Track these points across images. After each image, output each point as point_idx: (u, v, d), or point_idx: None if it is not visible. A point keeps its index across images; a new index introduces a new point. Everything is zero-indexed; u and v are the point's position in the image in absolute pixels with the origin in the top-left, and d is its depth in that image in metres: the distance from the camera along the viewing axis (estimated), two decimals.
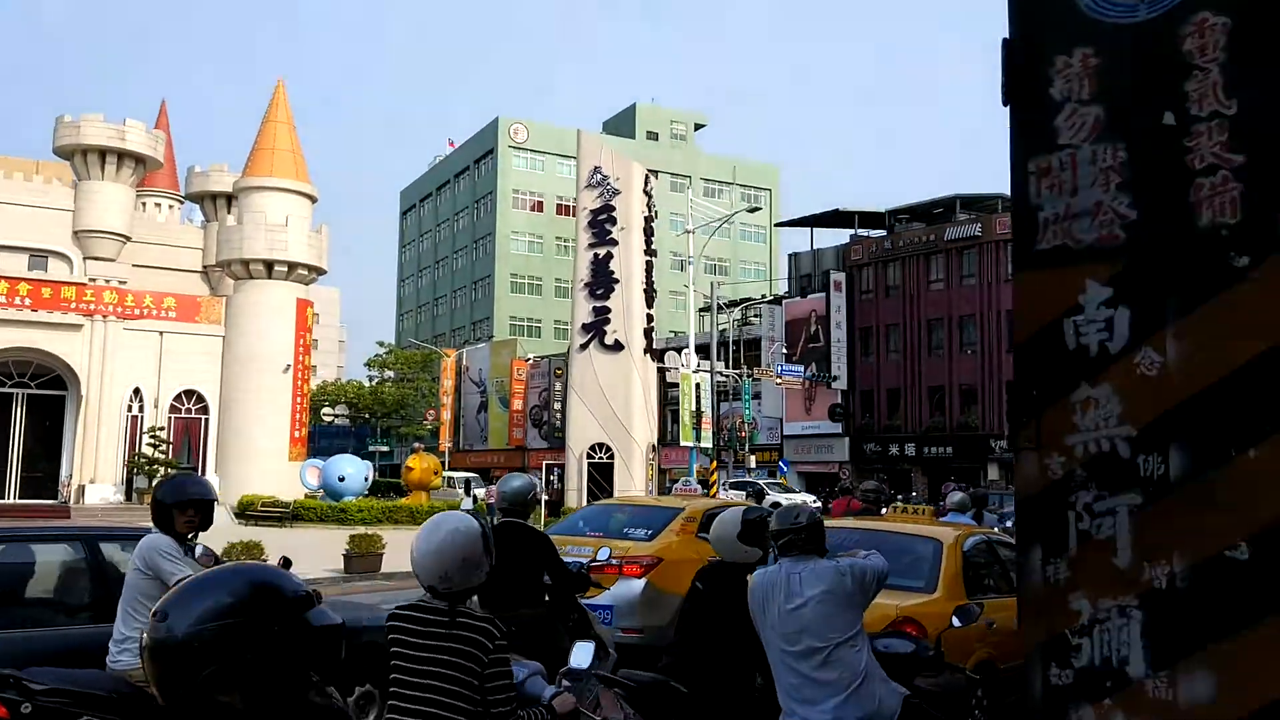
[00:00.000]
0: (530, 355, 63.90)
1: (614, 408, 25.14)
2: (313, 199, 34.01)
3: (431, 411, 62.61)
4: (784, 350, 50.35)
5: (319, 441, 68.46)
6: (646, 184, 26.72)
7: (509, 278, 78.96)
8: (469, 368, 64.63)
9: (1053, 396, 2.52)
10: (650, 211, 26.51)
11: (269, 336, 31.82)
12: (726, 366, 47.56)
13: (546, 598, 5.53)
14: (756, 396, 52.57)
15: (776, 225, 68.95)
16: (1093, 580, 2.43)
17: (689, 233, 25.45)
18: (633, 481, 25.18)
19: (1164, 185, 2.39)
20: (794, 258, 56.45)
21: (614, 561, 7.90)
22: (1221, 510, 2.28)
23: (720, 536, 4.67)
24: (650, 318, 26.64)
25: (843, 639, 3.92)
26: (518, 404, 62.01)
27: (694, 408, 20.97)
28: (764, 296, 58.03)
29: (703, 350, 53.52)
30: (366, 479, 27.86)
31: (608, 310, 25.79)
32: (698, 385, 23.84)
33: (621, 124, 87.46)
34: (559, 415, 67.27)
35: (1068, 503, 2.48)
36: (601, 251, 26.03)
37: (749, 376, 44.03)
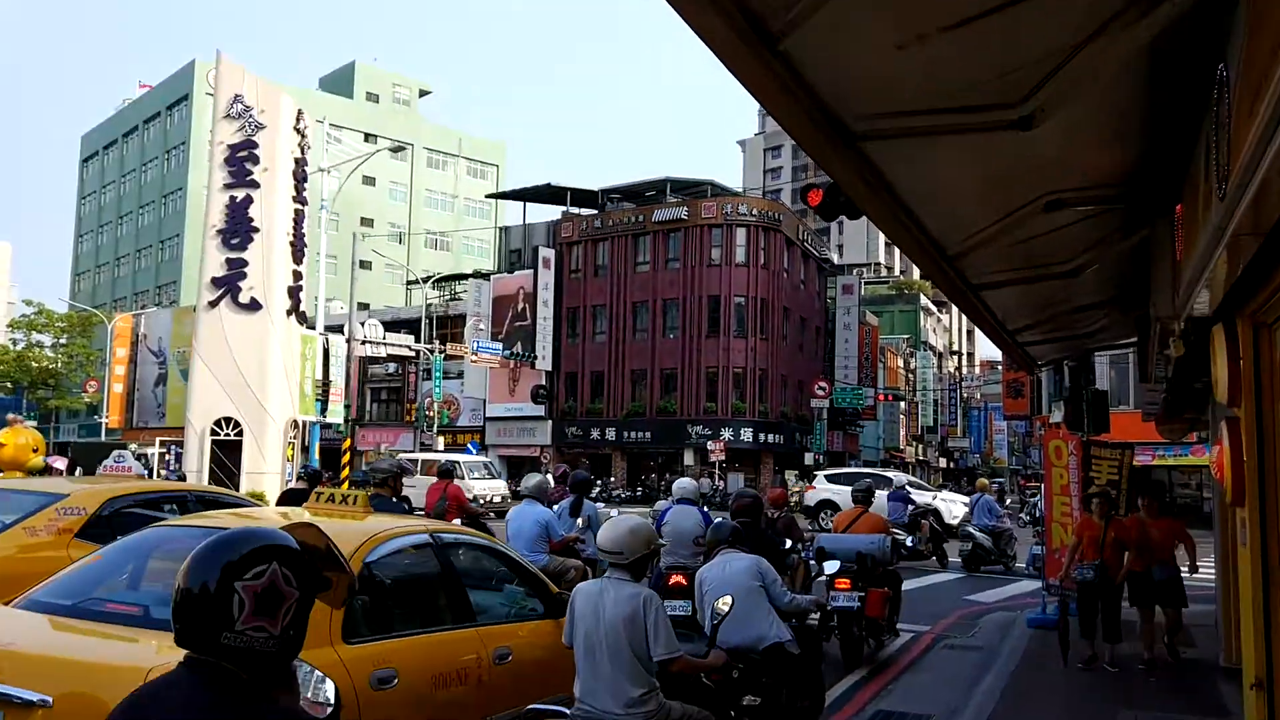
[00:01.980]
0: None
1: (246, 376, 21.55)
2: None
3: (93, 382, 55.21)
4: (481, 327, 47.76)
5: None
6: (299, 120, 23.17)
7: (201, 238, 71.46)
8: (147, 335, 57.41)
9: None
10: (303, 153, 23.02)
11: None
12: (423, 341, 44.37)
13: None
14: (459, 376, 49.78)
15: (487, 196, 66.38)
16: None
17: (322, 171, 22.18)
18: (264, 461, 21.73)
19: None
20: (504, 232, 54.04)
21: None
22: None
23: None
24: (298, 275, 23.15)
25: None
26: None
27: (319, 375, 17.90)
28: (476, 271, 55.18)
29: (405, 325, 50.44)
30: None
31: (244, 263, 22.10)
32: (326, 351, 20.66)
33: (339, 82, 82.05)
34: None
35: None
36: (239, 194, 22.28)
37: (440, 352, 41.00)
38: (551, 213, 52.14)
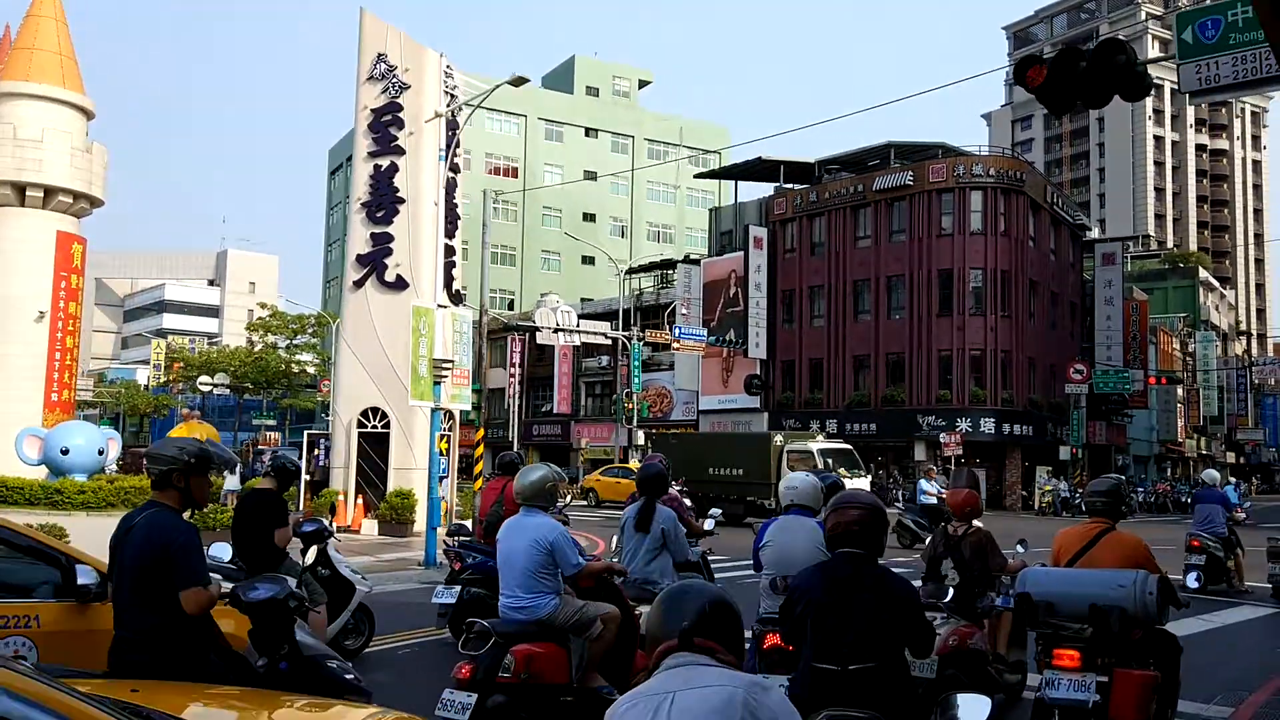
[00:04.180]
0: None
1: (394, 363, 19.50)
2: (87, 113, 28.14)
3: (327, 381, 56.85)
4: (684, 312, 44.76)
5: (202, 416, 62.45)
6: (448, 78, 20.93)
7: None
8: None
9: None
10: (453, 114, 20.78)
11: (19, 277, 26.04)
12: (621, 329, 41.94)
13: None
14: (671, 367, 47.16)
15: (696, 176, 63.53)
16: None
17: (438, 116, 19.61)
18: (414, 457, 19.62)
19: None
20: (714, 213, 50.86)
21: None
22: None
23: None
24: (450, 250, 20.95)
25: None
26: None
27: (435, 354, 15.39)
28: (686, 257, 52.39)
29: (618, 316, 48.35)
30: (102, 452, 22.02)
31: (389, 238, 20.11)
32: (451, 326, 18.11)
33: (560, 79, 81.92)
34: None
35: None
36: (384, 162, 20.29)
37: (639, 339, 38.34)
38: (766, 191, 48.59)
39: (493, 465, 10.67)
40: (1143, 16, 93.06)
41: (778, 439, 27.91)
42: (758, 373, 44.14)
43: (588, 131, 79.48)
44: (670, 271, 55.64)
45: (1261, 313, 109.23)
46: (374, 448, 19.98)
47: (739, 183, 52.69)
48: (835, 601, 3.83)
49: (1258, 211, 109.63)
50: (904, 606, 3.84)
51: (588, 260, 73.12)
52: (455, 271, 21.20)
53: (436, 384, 15.65)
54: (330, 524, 19.09)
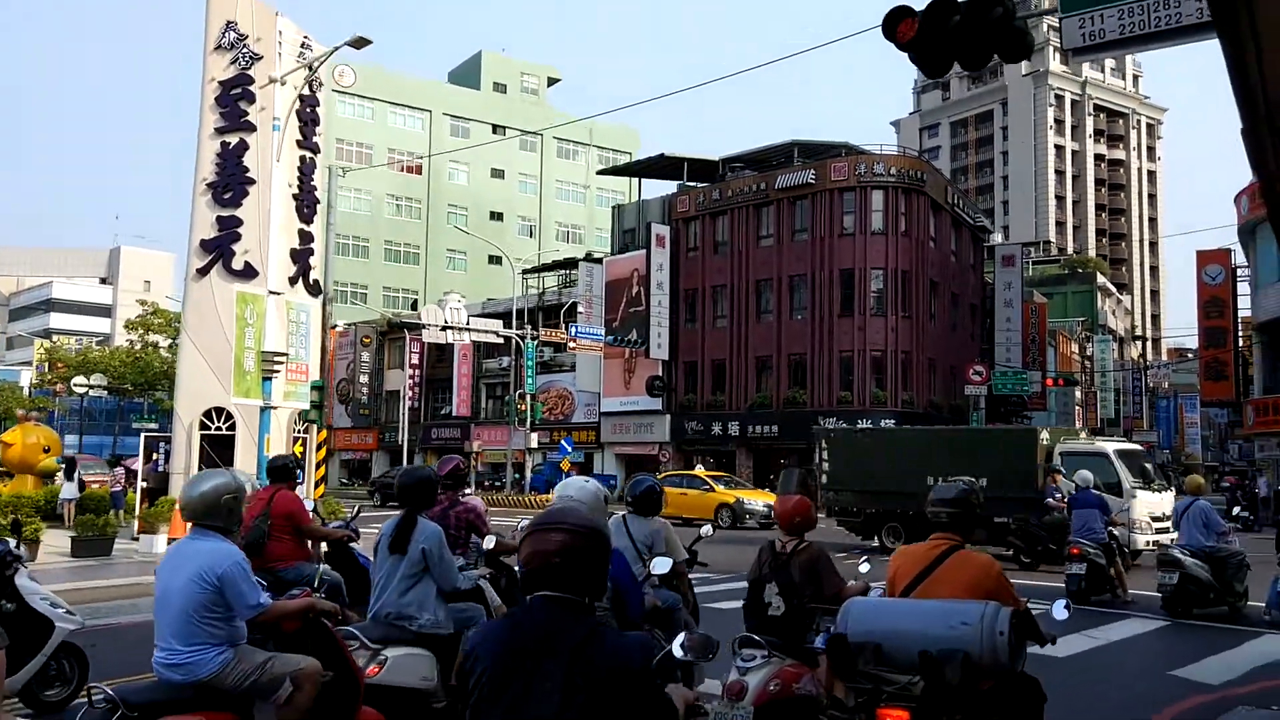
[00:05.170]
0: (339, 323, 55.45)
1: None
2: None
3: None
4: (582, 310, 43.44)
5: (86, 419, 58.91)
6: (305, 48, 19.28)
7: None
8: None
9: None
10: (311, 89, 19.14)
11: None
12: (515, 328, 40.44)
13: None
14: (572, 369, 45.78)
15: (598, 173, 62.24)
16: None
17: (274, 81, 18.08)
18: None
19: None
20: (617, 210, 49.63)
21: None
22: None
23: None
24: (307, 236, 19.30)
25: None
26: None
27: (266, 346, 13.82)
28: (588, 255, 51.11)
29: (521, 315, 46.81)
30: None
31: (238, 222, 18.38)
32: (285, 316, 16.56)
33: (467, 75, 79.95)
34: (365, 389, 59.37)
35: None
36: (232, 140, 18.56)
37: (533, 338, 36.89)
38: (672, 189, 47.59)
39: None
40: (1045, 29, 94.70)
41: (1045, 436, 20.04)
42: (660, 374, 43.04)
43: (495, 128, 77.62)
44: (574, 271, 54.33)
45: (1156, 318, 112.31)
46: (218, 451, 18.19)
47: (644, 180, 51.66)
48: (514, 673, 2.54)
49: (1152, 220, 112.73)
50: (619, 681, 2.53)
51: (495, 260, 71.32)
52: (313, 260, 19.56)
53: (266, 380, 14.05)
54: (144, 533, 17.23)
